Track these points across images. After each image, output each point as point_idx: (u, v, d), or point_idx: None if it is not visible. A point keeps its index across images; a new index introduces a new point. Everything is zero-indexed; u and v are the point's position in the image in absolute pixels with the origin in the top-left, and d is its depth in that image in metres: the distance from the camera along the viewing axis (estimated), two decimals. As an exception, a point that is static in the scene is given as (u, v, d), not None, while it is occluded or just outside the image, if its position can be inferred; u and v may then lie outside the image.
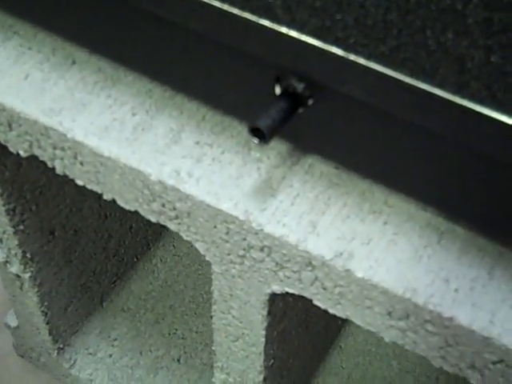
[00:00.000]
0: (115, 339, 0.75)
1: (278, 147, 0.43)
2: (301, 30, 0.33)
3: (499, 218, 0.37)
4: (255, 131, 0.37)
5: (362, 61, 0.32)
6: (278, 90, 0.38)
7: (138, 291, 0.79)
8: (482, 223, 0.38)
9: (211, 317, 0.51)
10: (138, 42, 0.44)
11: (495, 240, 0.38)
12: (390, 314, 0.39)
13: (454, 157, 0.35)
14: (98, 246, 0.71)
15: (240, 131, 0.44)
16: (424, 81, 0.31)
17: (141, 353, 0.75)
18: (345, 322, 0.75)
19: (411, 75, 0.31)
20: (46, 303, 0.66)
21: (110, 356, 0.74)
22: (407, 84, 0.31)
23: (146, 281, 0.79)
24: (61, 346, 0.73)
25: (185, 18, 0.38)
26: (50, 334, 0.70)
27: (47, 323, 0.69)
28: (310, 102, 0.38)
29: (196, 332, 0.76)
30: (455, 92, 0.30)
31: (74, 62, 0.49)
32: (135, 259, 0.79)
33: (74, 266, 0.68)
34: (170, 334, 0.76)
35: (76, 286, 0.70)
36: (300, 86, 0.37)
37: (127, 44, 0.45)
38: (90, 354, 0.74)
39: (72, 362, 0.74)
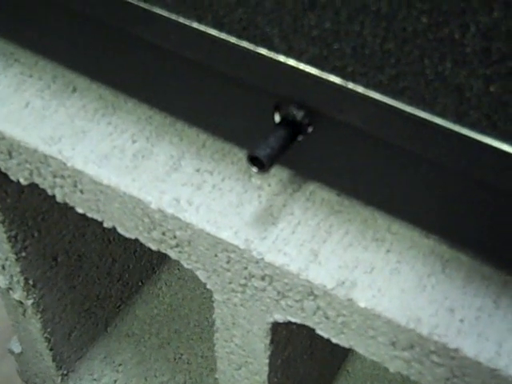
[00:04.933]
0: (120, 364, 0.75)
1: (278, 174, 0.43)
2: (298, 58, 0.33)
3: (504, 246, 0.36)
4: (254, 160, 0.36)
5: (360, 89, 0.32)
6: (277, 118, 0.38)
7: (143, 316, 0.78)
8: (486, 251, 0.37)
9: (215, 344, 0.50)
10: (138, 70, 0.44)
11: (500, 268, 0.38)
12: (393, 344, 0.38)
13: (456, 184, 0.35)
14: (102, 271, 0.70)
15: (240, 158, 0.44)
16: (423, 109, 0.30)
17: (146, 378, 0.74)
18: (352, 346, 0.74)
19: (410, 104, 0.31)
20: (49, 329, 0.66)
21: (115, 382, 0.74)
22: (406, 113, 0.31)
23: (150, 305, 0.79)
24: (65, 372, 0.72)
25: (183, 46, 0.38)
26: (54, 360, 0.70)
27: (51, 349, 0.68)
28: (310, 129, 0.37)
29: (201, 357, 0.75)
30: (455, 121, 0.30)
31: (74, 90, 0.49)
32: (140, 283, 0.79)
33: (78, 292, 0.68)
34: (175, 358, 0.75)
35: (80, 312, 0.70)
36: (299, 114, 0.36)
37: (127, 71, 0.45)
38: (95, 380, 0.73)
39: (76, 388, 0.73)
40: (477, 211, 0.35)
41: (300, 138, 0.38)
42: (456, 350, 0.35)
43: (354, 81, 0.32)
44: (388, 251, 0.40)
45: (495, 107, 0.28)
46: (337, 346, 0.40)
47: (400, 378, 0.74)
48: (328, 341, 0.42)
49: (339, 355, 0.72)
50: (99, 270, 0.70)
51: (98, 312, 0.73)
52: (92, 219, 0.47)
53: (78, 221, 0.62)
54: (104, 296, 0.73)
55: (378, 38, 0.29)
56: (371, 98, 0.32)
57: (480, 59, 0.27)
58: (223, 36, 0.35)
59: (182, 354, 0.76)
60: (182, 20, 0.37)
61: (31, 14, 0.47)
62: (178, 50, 0.38)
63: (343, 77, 0.32)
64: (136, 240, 0.46)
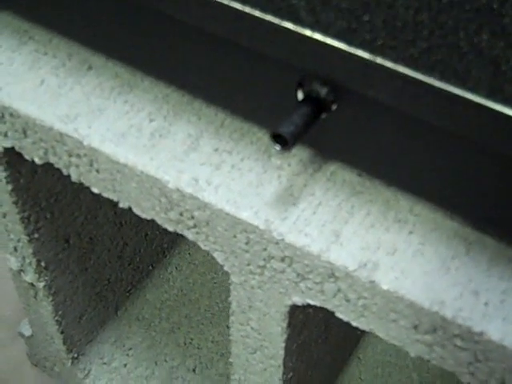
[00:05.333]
0: (130, 348, 0.74)
1: (299, 154, 0.42)
2: (326, 32, 0.32)
3: (531, 228, 0.35)
4: (277, 138, 0.35)
5: (389, 64, 0.31)
6: (300, 95, 0.37)
7: (153, 300, 0.77)
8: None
9: (228, 327, 0.50)
10: (155, 47, 0.43)
11: (527, 251, 0.37)
12: (416, 327, 0.37)
13: (483, 164, 0.34)
14: (113, 254, 0.70)
15: (259, 138, 0.43)
16: (455, 84, 0.30)
17: (156, 363, 0.73)
18: (364, 332, 0.73)
19: (442, 79, 0.30)
20: (60, 312, 0.65)
21: (125, 366, 0.73)
22: (437, 88, 0.30)
23: (161, 289, 0.78)
24: (75, 355, 0.72)
25: (204, 20, 0.37)
26: (65, 343, 0.69)
27: (61, 332, 0.68)
28: (334, 107, 0.36)
29: (212, 342, 0.75)
30: (488, 96, 0.29)
31: (90, 68, 0.48)
32: (150, 267, 0.78)
33: (89, 275, 0.67)
34: (185, 343, 0.75)
35: (91, 295, 0.69)
36: (323, 91, 0.36)
37: (144, 49, 0.44)
38: (105, 363, 0.73)
39: (86, 371, 0.73)
40: (503, 192, 0.35)
41: (324, 115, 0.37)
42: (481, 334, 0.35)
43: (383, 55, 0.31)
44: (410, 233, 0.39)
45: (532, 81, 0.27)
46: (350, 331, 0.40)
47: (412, 365, 0.73)
48: (342, 326, 0.41)
49: (352, 341, 0.72)
50: (110, 253, 0.69)
51: (109, 296, 0.73)
52: (104, 201, 0.46)
53: (90, 202, 0.62)
54: (115, 280, 0.72)
55: (411, 9, 0.29)
56: (401, 73, 0.31)
57: (518, 31, 0.26)
58: (247, 9, 0.34)
59: (192, 339, 0.75)
60: (203, -6, 0.36)
61: (46, -9, 0.46)
62: (199, 24, 0.37)
63: (372, 51, 0.31)
64: (147, 224, 0.45)
